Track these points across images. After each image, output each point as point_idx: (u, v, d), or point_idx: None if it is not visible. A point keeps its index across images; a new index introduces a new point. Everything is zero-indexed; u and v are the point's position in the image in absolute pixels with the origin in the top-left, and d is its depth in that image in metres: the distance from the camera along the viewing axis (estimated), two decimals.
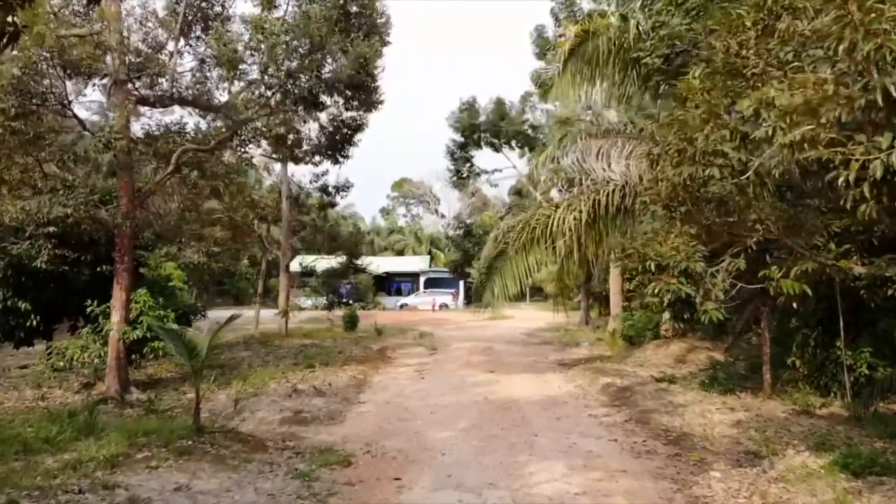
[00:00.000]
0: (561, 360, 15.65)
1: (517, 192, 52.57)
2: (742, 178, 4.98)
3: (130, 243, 11.57)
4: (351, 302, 23.89)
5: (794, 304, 5.48)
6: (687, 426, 8.68)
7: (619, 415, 9.50)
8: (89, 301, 11.75)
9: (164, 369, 13.27)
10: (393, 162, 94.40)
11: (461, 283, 46.14)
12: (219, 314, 34.48)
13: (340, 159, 14.01)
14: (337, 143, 13.25)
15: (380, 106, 14.62)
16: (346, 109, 12.60)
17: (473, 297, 11.29)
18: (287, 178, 20.54)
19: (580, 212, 9.93)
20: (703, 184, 5.10)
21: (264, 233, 23.42)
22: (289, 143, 12.71)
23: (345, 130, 12.95)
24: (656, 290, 4.89)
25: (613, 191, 9.64)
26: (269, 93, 11.61)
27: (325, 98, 11.36)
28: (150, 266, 16.24)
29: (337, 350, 16.21)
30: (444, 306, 42.63)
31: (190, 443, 7.06)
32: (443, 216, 67.68)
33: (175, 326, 12.04)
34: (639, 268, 4.99)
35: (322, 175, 21.18)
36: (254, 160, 25.13)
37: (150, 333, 11.35)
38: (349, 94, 11.65)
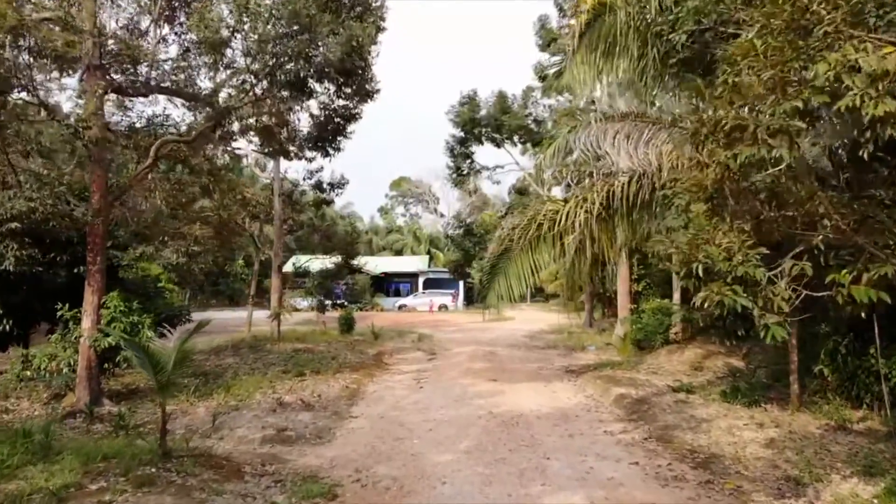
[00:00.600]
0: (568, 367, 14.76)
1: (519, 190, 51.68)
2: (793, 164, 4.10)
3: (103, 242, 10.67)
4: (346, 304, 22.94)
5: (863, 314, 4.58)
6: (715, 445, 7.80)
7: (638, 431, 8.62)
8: (60, 305, 10.87)
9: (142, 378, 12.31)
10: (392, 161, 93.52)
11: (461, 283, 45.19)
12: (212, 316, 33.37)
13: (332, 152, 13.08)
14: (328, 134, 12.32)
15: (375, 95, 13.71)
16: (338, 97, 11.69)
17: (477, 298, 10.30)
18: (279, 175, 19.64)
19: (592, 204, 9.06)
20: (745, 173, 4.22)
21: (257, 232, 22.50)
22: (278, 135, 11.80)
23: (336, 120, 12.01)
24: (705, 303, 3.99)
25: (630, 181, 8.76)
26: (254, 79, 10.71)
27: (314, 84, 10.45)
28: (131, 266, 15.33)
29: (330, 356, 15.31)
30: (443, 307, 41.70)
31: (154, 470, 6.17)
32: (442, 215, 66.88)
33: (150, 334, 11.17)
34: (680, 272, 4.09)
35: (316, 171, 20.28)
36: (246, 156, 24.29)
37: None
38: (341, 80, 10.73)
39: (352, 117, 12.22)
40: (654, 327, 17.20)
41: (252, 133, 11.70)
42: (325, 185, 20.54)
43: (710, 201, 4.59)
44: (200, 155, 13.20)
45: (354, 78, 11.01)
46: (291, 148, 12.65)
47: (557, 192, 33.50)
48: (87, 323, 10.47)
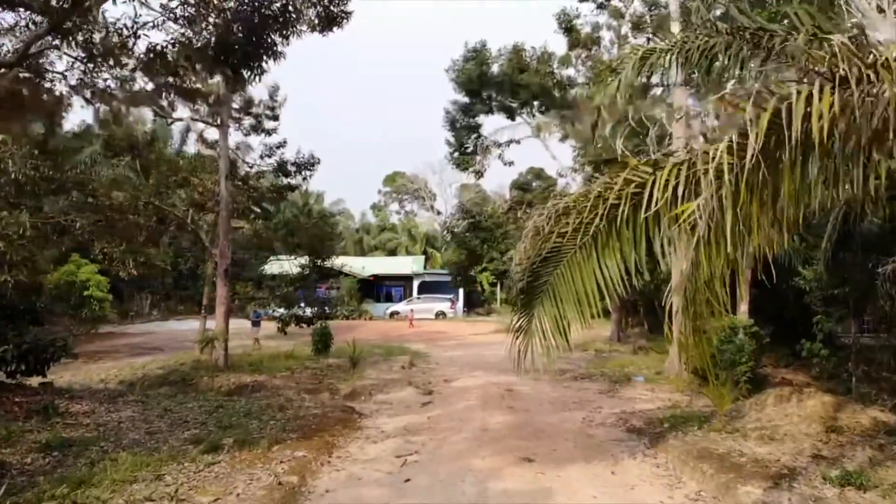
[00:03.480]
0: (626, 418, 10.09)
1: (520, 186, 46.95)
2: None
3: None
4: (312, 316, 18.13)
5: None
6: None
7: None
8: None
9: None
10: (386, 156, 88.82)
11: (461, 290, 40.09)
12: (173, 327, 28.13)
13: (248, 73, 8.32)
14: (240, 44, 7.60)
15: (344, 22, 9.15)
16: None
17: (512, 336, 6.22)
18: (227, 150, 14.90)
19: (739, 149, 4.45)
20: None
21: (206, 225, 17.77)
22: (169, 55, 7.14)
23: (255, 20, 7.31)
24: None
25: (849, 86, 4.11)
26: None
27: None
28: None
29: (279, 402, 10.59)
30: (441, 315, 36.84)
31: None
32: (439, 213, 62.31)
33: None
34: None
35: (277, 148, 15.61)
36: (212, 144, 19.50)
37: None
38: None
39: (283, 19, 7.40)
40: (731, 354, 12.57)
41: (126, 53, 7.00)
42: (289, 166, 15.84)
43: None
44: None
45: None
46: (183, 70, 7.87)
47: (560, 185, 28.60)
48: None
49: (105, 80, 11.12)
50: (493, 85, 19.94)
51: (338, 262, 23.51)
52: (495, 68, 20.00)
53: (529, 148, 67.81)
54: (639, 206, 5.80)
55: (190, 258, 35.45)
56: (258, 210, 17.05)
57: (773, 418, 9.30)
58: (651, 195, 5.52)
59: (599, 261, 6.19)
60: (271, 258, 29.65)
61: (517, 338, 6.08)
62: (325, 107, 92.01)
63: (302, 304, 19.92)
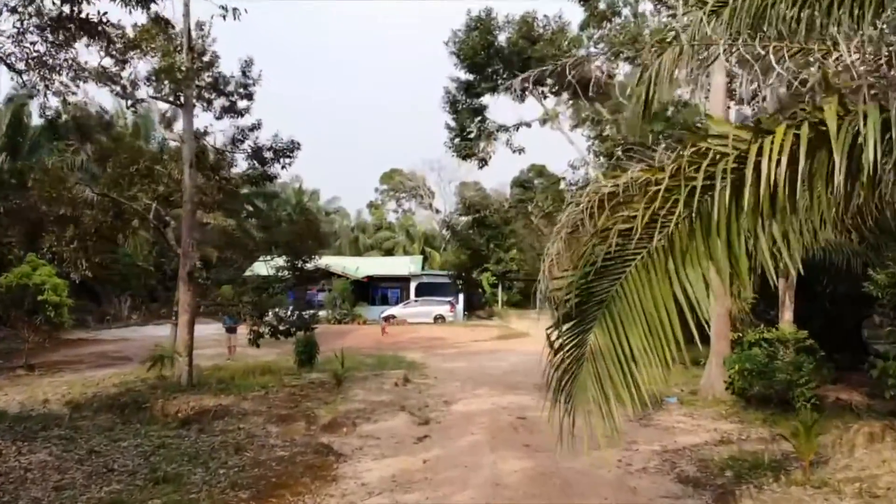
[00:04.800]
0: (673, 459, 8.05)
1: (521, 184, 44.86)
2: None
3: None
4: (289, 327, 16.09)
5: None
6: None
7: None
8: None
9: None
10: (385, 153, 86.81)
11: (461, 295, 37.91)
12: (150, 333, 25.82)
13: None
14: None
15: None
16: None
17: (554, 391, 4.39)
18: (192, 133, 12.80)
19: None
20: None
21: (175, 221, 15.72)
22: None
23: None
24: None
25: None
26: None
27: None
28: None
29: (237, 439, 8.53)
30: (439, 318, 34.72)
31: None
32: (437, 211, 60.25)
33: None
34: None
35: (250, 130, 13.56)
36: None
37: None
38: None
39: None
40: (787, 374, 10.59)
41: None
42: (265, 152, 13.81)
43: None
44: None
45: None
46: None
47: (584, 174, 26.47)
48: None
49: (33, 43, 9.14)
50: (500, 59, 17.62)
51: (323, 261, 21.39)
52: (502, 38, 17.68)
53: (539, 137, 66.03)
54: (737, 189, 3.72)
55: (175, 258, 33.38)
56: (250, 207, 15.06)
57: (866, 465, 7.27)
58: (759, 172, 3.43)
59: (678, 272, 4.02)
60: (263, 258, 27.55)
61: (561, 391, 3.94)
62: (322, 106, 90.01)
63: (284, 310, 17.88)
